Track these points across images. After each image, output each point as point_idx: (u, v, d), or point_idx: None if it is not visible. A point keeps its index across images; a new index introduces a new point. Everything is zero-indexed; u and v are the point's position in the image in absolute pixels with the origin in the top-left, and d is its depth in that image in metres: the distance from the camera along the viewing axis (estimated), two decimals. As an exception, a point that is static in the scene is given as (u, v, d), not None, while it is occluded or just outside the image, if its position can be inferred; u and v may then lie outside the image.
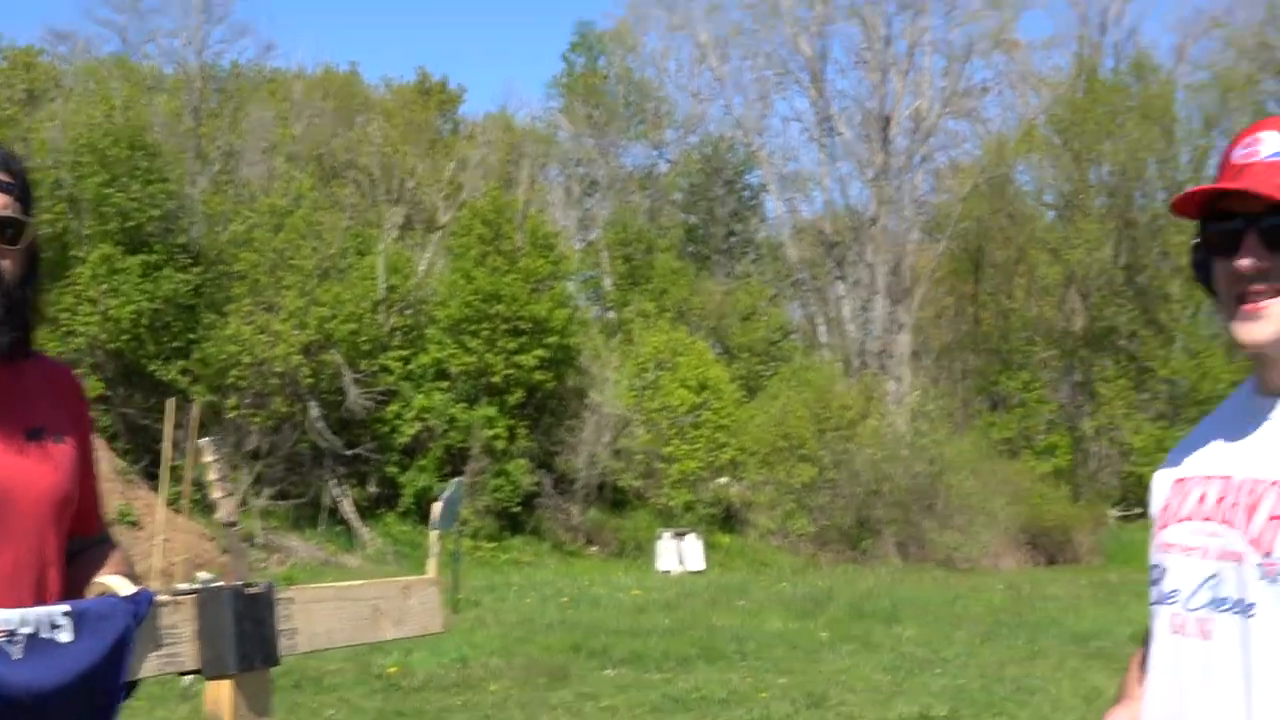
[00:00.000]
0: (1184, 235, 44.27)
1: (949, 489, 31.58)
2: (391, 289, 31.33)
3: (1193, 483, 2.30)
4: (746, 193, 53.43)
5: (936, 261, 46.91)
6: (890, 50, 45.81)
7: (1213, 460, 2.29)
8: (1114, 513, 39.47)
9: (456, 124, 45.97)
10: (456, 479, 21.18)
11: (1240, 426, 2.29)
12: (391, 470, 30.36)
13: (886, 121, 45.06)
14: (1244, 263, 2.19)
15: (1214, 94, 46.60)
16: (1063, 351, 47.16)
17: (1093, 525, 33.72)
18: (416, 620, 3.04)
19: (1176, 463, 2.39)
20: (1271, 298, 2.18)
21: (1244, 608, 2.11)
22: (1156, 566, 2.32)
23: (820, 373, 39.93)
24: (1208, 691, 2.15)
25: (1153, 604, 2.32)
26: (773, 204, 51.72)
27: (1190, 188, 2.25)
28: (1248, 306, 2.20)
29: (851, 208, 47.81)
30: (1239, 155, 2.24)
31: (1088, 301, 46.61)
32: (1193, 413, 42.71)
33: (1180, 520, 2.29)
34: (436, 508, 16.34)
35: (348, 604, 2.84)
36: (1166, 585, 2.27)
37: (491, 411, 30.23)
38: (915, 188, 47.78)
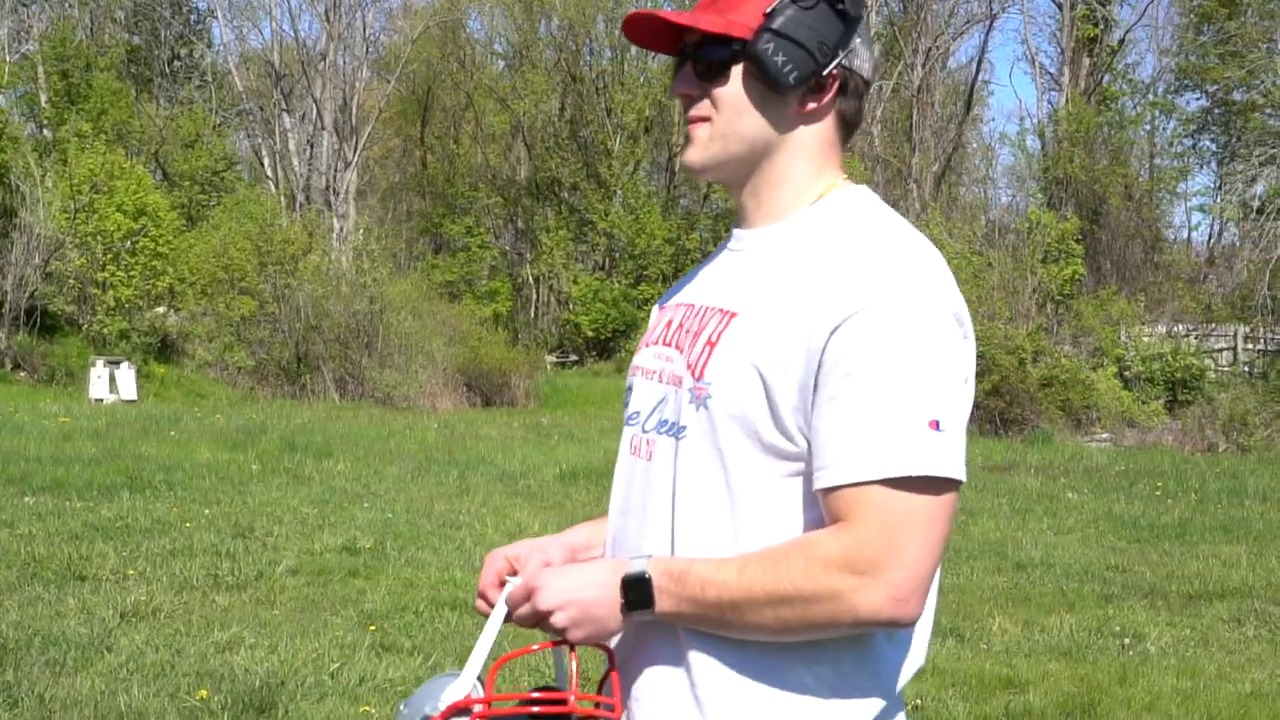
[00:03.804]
0: (626, 93, 45.84)
1: (389, 328, 31.80)
2: None
3: (668, 309, 2.35)
4: (193, 16, 51.85)
5: (385, 101, 46.90)
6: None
7: (690, 289, 2.34)
8: (550, 359, 40.74)
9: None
10: None
11: (718, 257, 2.35)
12: None
13: (342, -45, 44.51)
14: (677, 91, 2.26)
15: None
16: (506, 200, 48.12)
17: (529, 370, 34.63)
18: None
19: (671, 292, 2.44)
20: (700, 124, 2.22)
21: (677, 430, 2.15)
22: (629, 389, 2.35)
23: (264, 205, 39.41)
24: (646, 510, 2.20)
25: (624, 425, 2.35)
26: (220, 30, 50.40)
27: (631, 10, 2.24)
28: (688, 130, 2.26)
29: (301, 41, 47.12)
30: None
31: (533, 152, 47.62)
32: (628, 265, 44.47)
33: (649, 345, 2.32)
34: None
35: None
36: (631, 406, 2.30)
37: (-90, 228, 28.58)
38: (367, 25, 47.53)
